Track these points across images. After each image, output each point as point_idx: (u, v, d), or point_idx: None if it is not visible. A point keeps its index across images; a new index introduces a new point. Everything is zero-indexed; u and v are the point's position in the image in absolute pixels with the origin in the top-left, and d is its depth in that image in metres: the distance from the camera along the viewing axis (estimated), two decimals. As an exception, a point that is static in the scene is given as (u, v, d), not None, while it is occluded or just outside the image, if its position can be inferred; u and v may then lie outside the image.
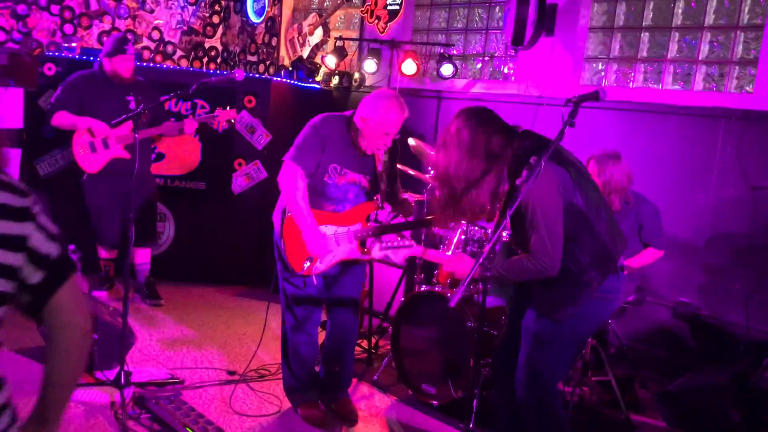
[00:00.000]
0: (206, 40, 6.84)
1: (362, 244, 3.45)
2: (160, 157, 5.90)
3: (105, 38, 6.18)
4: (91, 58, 5.68)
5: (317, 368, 3.82)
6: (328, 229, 3.40)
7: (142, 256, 5.40)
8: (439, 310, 4.00)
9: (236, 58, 7.02)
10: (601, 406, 4.12)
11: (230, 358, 4.42)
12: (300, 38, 7.08)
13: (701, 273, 4.62)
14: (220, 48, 6.90)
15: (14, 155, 5.54)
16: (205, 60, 6.84)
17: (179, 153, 5.94)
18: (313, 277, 3.43)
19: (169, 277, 5.72)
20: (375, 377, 4.26)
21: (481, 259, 2.53)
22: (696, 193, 4.60)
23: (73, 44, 6.20)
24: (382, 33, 6.39)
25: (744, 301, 4.31)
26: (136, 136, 3.77)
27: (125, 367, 3.67)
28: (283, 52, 7.35)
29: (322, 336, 3.83)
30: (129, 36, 6.19)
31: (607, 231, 2.73)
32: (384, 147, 3.35)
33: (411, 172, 4.48)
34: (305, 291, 3.52)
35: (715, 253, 4.54)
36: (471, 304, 3.93)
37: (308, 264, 3.37)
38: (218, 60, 6.89)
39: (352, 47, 6.60)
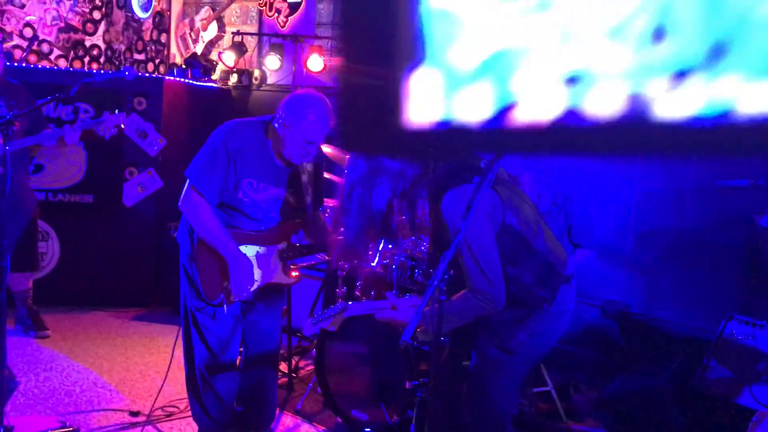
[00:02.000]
0: (87, 37, 6.20)
1: (286, 266, 3.08)
2: (39, 168, 5.24)
3: (-34, 36, 5.45)
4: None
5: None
6: (249, 250, 2.99)
7: (23, 282, 4.76)
8: (366, 326, 3.66)
9: (122, 57, 6.42)
10: (540, 418, 3.92)
11: (132, 395, 3.91)
12: (192, 34, 6.55)
13: (629, 270, 4.52)
14: (103, 46, 6.28)
15: None
16: (86, 59, 6.20)
17: (61, 163, 5.31)
18: (224, 307, 3.00)
19: (55, 303, 5.10)
20: (299, 405, 3.87)
21: (420, 310, 2.18)
22: (620, 188, 4.49)
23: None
24: (282, 27, 5.97)
25: (673, 298, 4.23)
26: (7, 147, 3.21)
27: (4, 421, 3.12)
28: (174, 49, 6.79)
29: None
30: (-5, 33, 5.49)
31: (546, 244, 2.51)
32: (308, 156, 2.96)
33: (335, 178, 4.12)
34: (219, 320, 3.09)
35: (642, 250, 4.45)
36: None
37: (223, 293, 2.95)
38: (101, 59, 6.27)
39: (251, 43, 6.15)
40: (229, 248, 2.91)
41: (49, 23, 6.02)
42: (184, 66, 6.31)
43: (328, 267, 4.50)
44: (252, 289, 3.00)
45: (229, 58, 5.80)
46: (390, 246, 3.81)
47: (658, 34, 0.42)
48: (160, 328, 5.03)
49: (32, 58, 5.90)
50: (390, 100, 0.53)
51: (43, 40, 5.99)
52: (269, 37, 5.79)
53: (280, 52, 5.62)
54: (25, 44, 5.89)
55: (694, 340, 4.09)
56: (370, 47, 0.52)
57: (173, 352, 3.51)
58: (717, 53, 0.43)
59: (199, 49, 6.49)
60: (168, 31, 6.78)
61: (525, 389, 3.71)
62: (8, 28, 5.87)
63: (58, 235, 5.34)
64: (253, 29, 6.32)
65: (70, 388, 3.92)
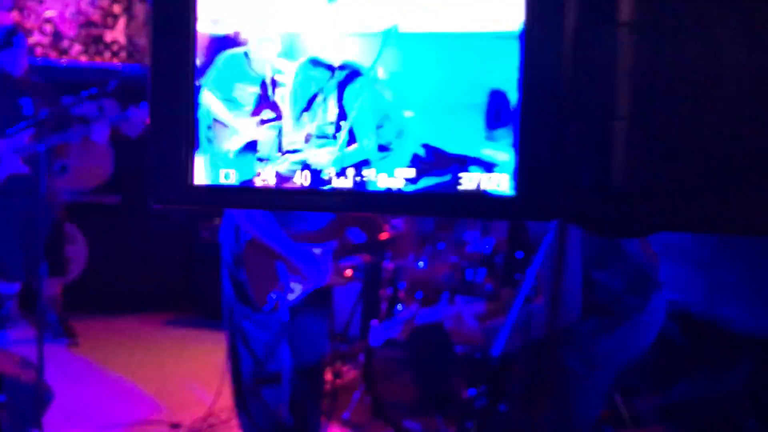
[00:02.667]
0: (107, 31, 6.00)
1: (339, 265, 2.87)
2: (63, 169, 5.05)
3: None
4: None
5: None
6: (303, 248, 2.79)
7: (51, 288, 4.58)
8: (417, 330, 3.45)
9: (143, 51, 6.21)
10: (603, 424, 3.69)
11: (171, 405, 3.71)
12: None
13: (686, 265, 4.27)
14: (123, 41, 6.07)
15: None
16: (107, 55, 6.00)
17: (86, 163, 5.12)
18: (275, 312, 2.80)
19: (84, 308, 4.91)
20: (346, 415, 3.66)
21: (512, 320, 1.96)
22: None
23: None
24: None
25: (736, 293, 3.99)
26: (40, 147, 3.02)
27: (43, 438, 2.93)
28: (198, 43, 6.58)
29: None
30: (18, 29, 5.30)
31: (639, 245, 2.29)
32: None
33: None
34: (265, 326, 2.88)
35: (701, 242, 4.20)
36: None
37: (275, 296, 2.74)
38: (122, 54, 6.06)
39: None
40: (286, 244, 2.70)
41: (68, 18, 5.83)
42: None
43: (370, 267, 4.28)
44: (306, 290, 2.79)
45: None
46: (439, 245, 3.59)
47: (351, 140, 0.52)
48: (193, 333, 4.84)
49: (53, 54, 5.72)
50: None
51: (63, 36, 5.81)
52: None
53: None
54: (45, 40, 5.71)
55: (763, 340, 3.85)
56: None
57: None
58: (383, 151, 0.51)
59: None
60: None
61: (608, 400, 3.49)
62: (28, 25, 5.69)
63: (85, 237, 5.15)
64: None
65: (106, 399, 3.73)
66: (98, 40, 5.97)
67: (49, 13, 5.78)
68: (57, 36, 5.78)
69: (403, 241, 3.50)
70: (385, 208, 0.45)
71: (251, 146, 0.54)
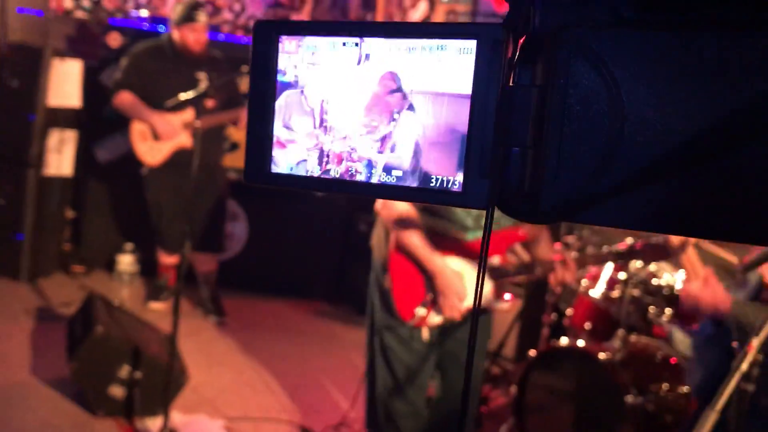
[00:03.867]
0: (293, 13, 5.97)
1: (499, 287, 2.48)
2: (234, 147, 5.04)
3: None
4: (161, 28, 4.89)
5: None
6: (453, 264, 2.42)
7: (207, 263, 4.58)
8: (583, 371, 2.98)
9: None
10: None
11: (303, 407, 3.51)
12: (400, 13, 6.11)
13: None
14: (308, 23, 6.01)
15: (69, 138, 4.80)
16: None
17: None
18: (425, 329, 2.46)
19: (236, 286, 4.89)
20: (490, 448, 3.27)
21: None
22: None
23: (143, 12, 5.43)
24: (500, 7, 5.34)
25: None
26: (198, 122, 2.90)
27: (169, 424, 2.82)
28: (379, 29, 6.40)
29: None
30: (204, 4, 5.36)
31: None
32: None
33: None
34: (410, 344, 2.55)
35: None
36: (635, 363, 2.89)
37: (423, 311, 2.40)
38: (305, 37, 6.01)
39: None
40: (433, 259, 2.36)
41: (258, -2, 5.86)
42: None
43: (533, 286, 3.83)
44: (460, 311, 2.42)
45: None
46: (621, 274, 3.08)
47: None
48: (340, 328, 4.65)
49: (239, 32, 5.77)
50: None
51: (251, 16, 5.84)
52: (486, 17, 5.20)
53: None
54: (233, 18, 5.77)
55: None
56: None
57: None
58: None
59: (405, 29, 6.04)
60: (374, 10, 6.40)
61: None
62: (219, 2, 5.78)
63: (248, 217, 5.12)
64: (466, 9, 5.75)
65: (242, 388, 3.60)
66: (285, 21, 5.96)
67: (240, -8, 5.84)
68: (245, 15, 5.82)
69: (571, 263, 3.04)
70: (378, 195, 0.64)
71: (303, 162, 0.69)
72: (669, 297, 2.98)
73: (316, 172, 0.66)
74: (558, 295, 3.48)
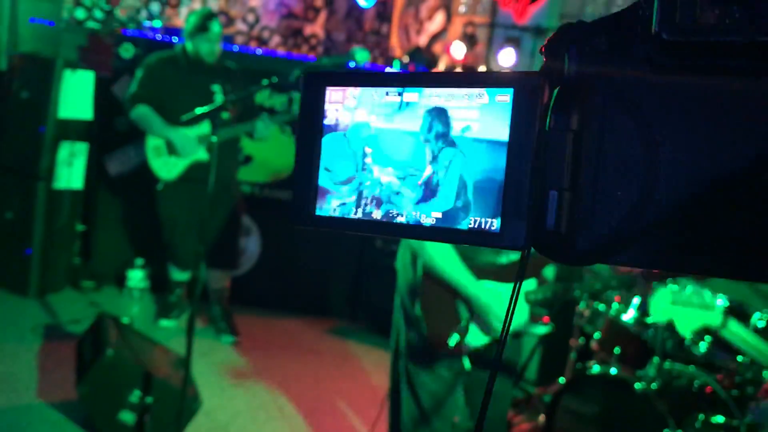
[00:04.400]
0: (306, 25, 5.88)
1: (534, 310, 2.35)
2: (248, 160, 4.94)
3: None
4: (175, 39, 4.80)
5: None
6: (486, 288, 2.29)
7: (220, 280, 4.46)
8: (617, 400, 2.84)
9: (340, 48, 6.03)
10: None
11: None
12: (416, 25, 6.00)
13: None
14: (322, 35, 5.92)
15: (80, 151, 4.70)
16: (305, 48, 5.88)
17: (268, 156, 4.97)
18: (465, 358, 2.33)
19: (248, 303, 4.77)
20: (514, 479, 3.12)
21: None
22: None
23: (156, 23, 5.35)
24: (520, 19, 5.23)
25: None
26: (214, 136, 2.78)
27: (182, 453, 2.69)
28: (394, 41, 6.30)
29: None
30: (218, 14, 5.27)
31: None
32: None
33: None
34: (438, 373, 2.42)
35: None
36: (671, 393, 2.74)
37: (457, 338, 2.27)
38: (319, 49, 5.91)
39: (481, 36, 5.47)
40: (468, 284, 2.23)
41: (271, 9, 5.77)
42: (404, 59, 5.77)
43: (560, 307, 3.68)
44: (489, 337, 2.29)
45: (459, 49, 5.15)
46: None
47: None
48: (355, 347, 4.51)
49: (253, 43, 5.68)
50: None
51: (265, 27, 5.75)
52: (505, 29, 5.09)
53: (517, 46, 4.89)
54: (246, 29, 5.68)
55: None
56: None
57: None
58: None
59: (421, 41, 5.94)
60: (390, 22, 6.31)
61: None
62: (233, 13, 5.69)
63: (261, 232, 5.00)
64: (484, 21, 5.64)
65: (256, 412, 3.47)
66: (298, 32, 5.87)
67: (254, 3, 5.75)
68: (258, 26, 5.73)
69: (605, 284, 2.92)
70: (419, 237, 0.64)
71: (343, 206, 0.68)
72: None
73: (358, 215, 0.67)
74: (586, 317, 3.34)
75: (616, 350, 3.23)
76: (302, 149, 0.69)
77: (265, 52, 5.25)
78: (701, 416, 2.75)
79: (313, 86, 0.70)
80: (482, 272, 2.29)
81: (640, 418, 2.72)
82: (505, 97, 0.61)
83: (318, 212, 0.69)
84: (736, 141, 0.55)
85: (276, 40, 5.81)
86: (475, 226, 0.62)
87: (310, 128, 0.69)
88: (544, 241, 0.60)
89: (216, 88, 4.12)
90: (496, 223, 0.61)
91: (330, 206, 0.68)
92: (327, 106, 0.69)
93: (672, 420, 2.63)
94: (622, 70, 0.59)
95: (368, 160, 0.67)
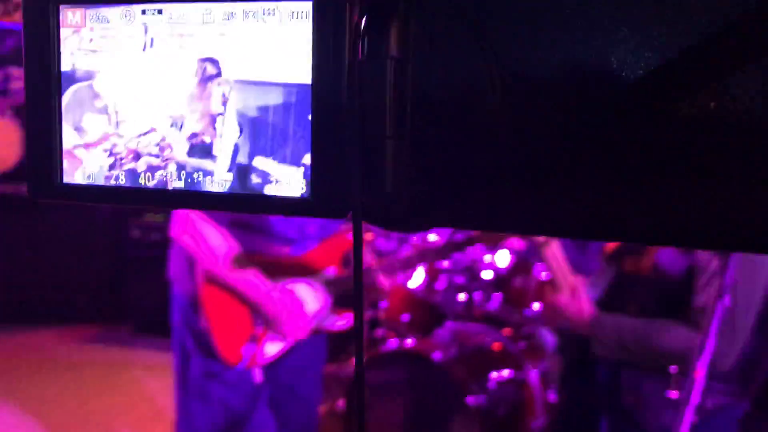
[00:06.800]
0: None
1: (340, 301, 2.18)
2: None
3: None
4: None
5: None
6: (282, 286, 2.08)
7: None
8: (415, 375, 2.80)
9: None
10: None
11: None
12: None
13: None
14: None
15: None
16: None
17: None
18: (256, 370, 2.08)
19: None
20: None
21: None
22: None
23: None
24: None
25: None
26: None
27: None
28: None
29: None
30: None
31: None
32: None
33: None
34: (235, 387, 2.16)
35: None
36: (475, 361, 2.76)
37: (253, 348, 2.03)
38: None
39: None
40: (260, 287, 2.00)
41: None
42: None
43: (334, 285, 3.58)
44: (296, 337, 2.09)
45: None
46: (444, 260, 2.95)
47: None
48: (121, 354, 4.06)
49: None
50: None
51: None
52: None
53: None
54: None
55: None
56: None
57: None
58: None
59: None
60: None
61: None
62: None
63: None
64: None
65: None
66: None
67: None
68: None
69: (391, 258, 2.85)
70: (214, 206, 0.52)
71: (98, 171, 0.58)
72: (496, 282, 2.90)
73: (119, 181, 0.56)
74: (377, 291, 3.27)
75: (404, 317, 3.21)
76: (35, 103, 0.56)
77: None
78: (495, 374, 2.82)
79: (38, 8, 0.55)
80: (273, 269, 2.06)
81: (445, 393, 2.71)
82: (303, 11, 0.50)
83: (66, 180, 0.58)
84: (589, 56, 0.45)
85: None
86: (277, 193, 0.51)
87: (42, 72, 0.56)
88: (366, 204, 0.49)
89: None
90: (301, 187, 0.50)
91: (85, 171, 0.58)
92: (63, 47, 0.55)
93: (474, 384, 2.65)
94: None
95: (120, 112, 0.55)
